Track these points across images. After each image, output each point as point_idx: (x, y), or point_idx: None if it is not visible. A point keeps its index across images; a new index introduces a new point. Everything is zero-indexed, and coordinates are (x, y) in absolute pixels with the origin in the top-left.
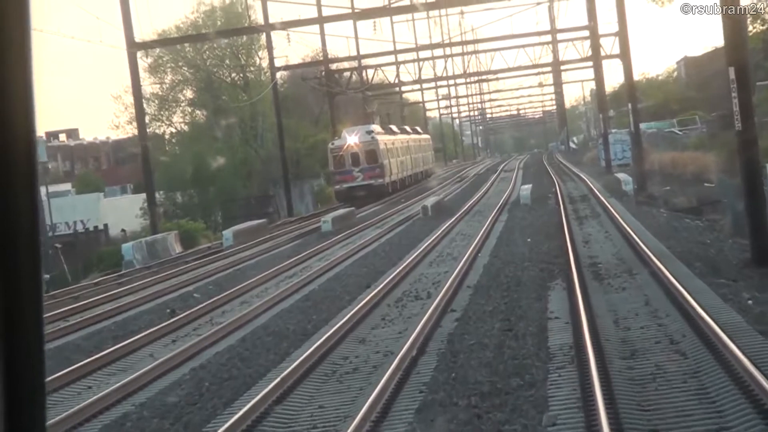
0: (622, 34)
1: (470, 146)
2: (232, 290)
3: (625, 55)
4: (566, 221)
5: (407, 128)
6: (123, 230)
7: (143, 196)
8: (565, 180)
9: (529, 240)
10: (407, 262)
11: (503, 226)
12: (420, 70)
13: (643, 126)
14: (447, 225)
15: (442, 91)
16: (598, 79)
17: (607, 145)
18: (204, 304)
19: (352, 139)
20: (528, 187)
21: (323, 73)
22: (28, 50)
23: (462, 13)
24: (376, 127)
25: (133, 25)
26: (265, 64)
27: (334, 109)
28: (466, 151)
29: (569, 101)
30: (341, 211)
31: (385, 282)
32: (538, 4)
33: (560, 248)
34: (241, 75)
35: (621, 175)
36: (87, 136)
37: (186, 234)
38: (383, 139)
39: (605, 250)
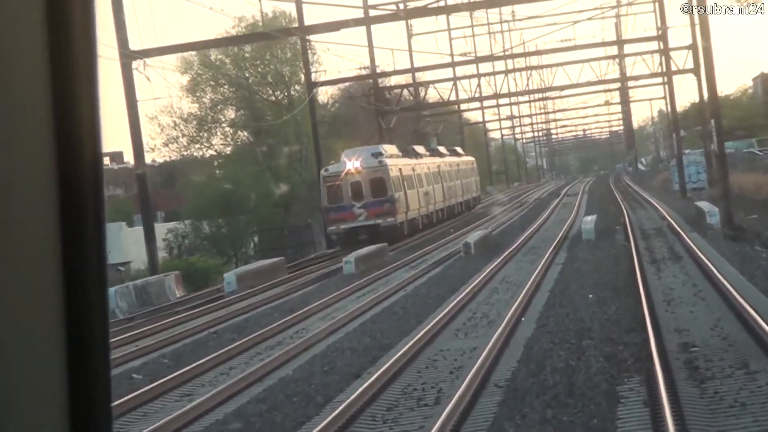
0: (696, 47)
1: (534, 168)
2: (182, 371)
3: (708, 68)
4: (639, 266)
5: (441, 149)
6: (119, 269)
7: (170, 225)
8: (635, 207)
9: (590, 296)
10: (428, 327)
11: (559, 271)
12: (479, 86)
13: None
14: (491, 267)
15: (504, 111)
16: (670, 95)
17: (682, 167)
18: (133, 394)
19: (352, 163)
20: (592, 219)
21: (372, 89)
22: (95, 71)
23: (513, 16)
24: (388, 148)
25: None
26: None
27: (387, 130)
28: (530, 172)
29: (636, 121)
30: (371, 248)
31: (385, 366)
32: (603, 14)
33: (633, 313)
34: (286, 93)
35: (703, 204)
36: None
37: (196, 273)
38: (396, 164)
39: (699, 320)
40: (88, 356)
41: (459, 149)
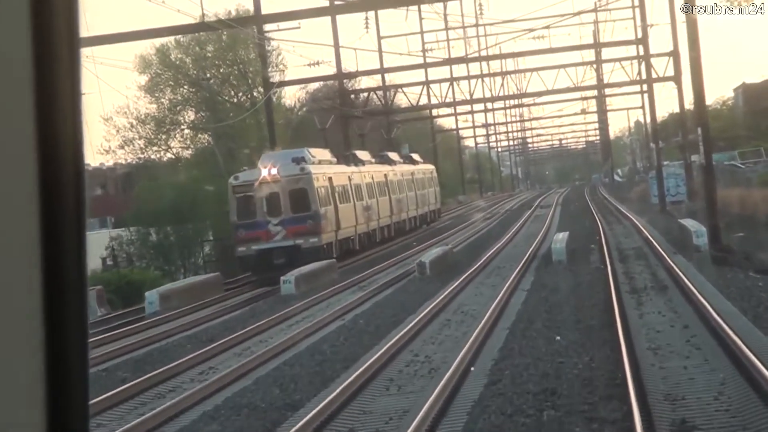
0: (678, 54)
1: (509, 177)
2: None
3: (696, 73)
4: (617, 297)
5: (390, 155)
6: None
7: (115, 232)
8: (611, 222)
9: (558, 339)
10: (355, 374)
11: (523, 301)
12: (452, 90)
13: (695, 158)
14: (447, 292)
15: (479, 119)
16: (650, 103)
17: (661, 179)
18: None
19: (267, 170)
20: (563, 236)
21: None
22: (78, 70)
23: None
24: (318, 153)
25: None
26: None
27: (354, 137)
28: (505, 182)
29: (613, 131)
30: (316, 265)
31: None
32: (581, 19)
33: (611, 367)
34: (248, 95)
35: (688, 222)
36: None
37: (129, 287)
38: (323, 172)
39: (696, 381)
40: (66, 356)
41: (415, 156)
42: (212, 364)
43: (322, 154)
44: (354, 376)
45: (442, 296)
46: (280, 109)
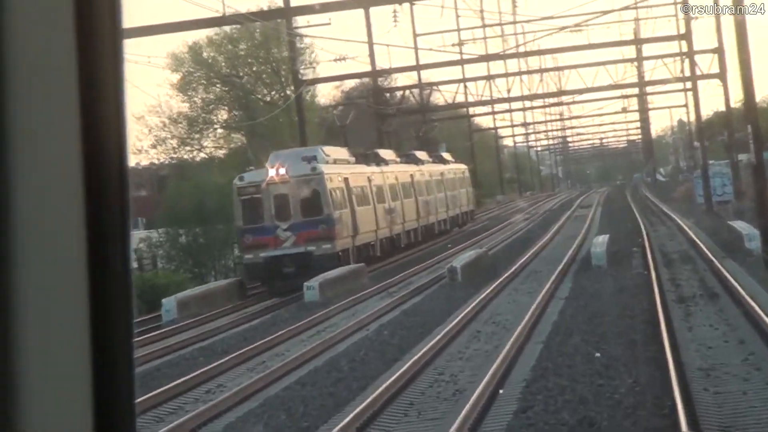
0: (722, 50)
1: (549, 176)
2: None
3: (745, 68)
4: (662, 307)
5: (417, 154)
6: None
7: (146, 233)
8: (654, 223)
9: (597, 355)
10: (371, 398)
11: (560, 310)
12: (490, 88)
13: (741, 157)
14: (479, 299)
15: (518, 118)
16: (695, 100)
17: (707, 178)
18: None
19: (276, 170)
20: (603, 239)
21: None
22: (121, 70)
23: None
24: (332, 151)
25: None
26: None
27: (392, 136)
28: (545, 181)
29: (655, 130)
30: (343, 270)
31: None
32: (621, 16)
33: (658, 392)
34: (282, 94)
35: (739, 224)
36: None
37: (152, 292)
38: (337, 173)
39: (759, 411)
40: (112, 356)
41: (446, 155)
42: (222, 381)
43: (338, 152)
44: (370, 398)
45: (474, 304)
46: (314, 108)
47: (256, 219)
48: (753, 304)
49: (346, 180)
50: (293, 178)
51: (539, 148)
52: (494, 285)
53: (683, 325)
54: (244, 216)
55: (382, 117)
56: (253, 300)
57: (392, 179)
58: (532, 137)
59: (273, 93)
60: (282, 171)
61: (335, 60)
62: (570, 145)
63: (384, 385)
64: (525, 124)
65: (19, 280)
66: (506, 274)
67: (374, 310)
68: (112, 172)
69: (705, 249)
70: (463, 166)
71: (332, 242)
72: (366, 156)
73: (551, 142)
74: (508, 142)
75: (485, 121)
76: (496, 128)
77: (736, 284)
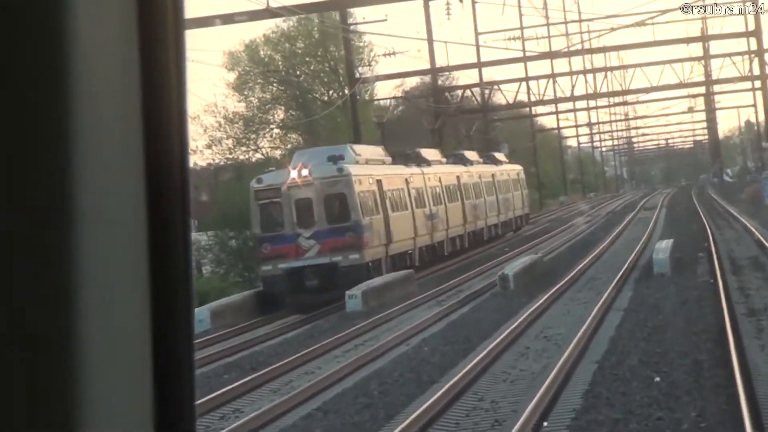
0: None
1: (613, 178)
2: None
3: None
4: (731, 321)
5: (465, 154)
6: None
7: (195, 236)
8: (722, 226)
9: (657, 379)
10: (398, 430)
11: (618, 324)
12: (554, 87)
13: None
14: (531, 310)
15: (582, 118)
16: (765, 99)
17: None
18: None
19: (298, 172)
20: (667, 244)
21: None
22: (184, 70)
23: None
24: (364, 150)
25: None
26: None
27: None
28: (609, 182)
29: (722, 131)
30: (391, 276)
31: None
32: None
33: (729, 425)
34: (340, 93)
35: None
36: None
37: (197, 298)
38: (368, 174)
39: None
40: (173, 356)
41: (499, 155)
42: (240, 405)
43: (371, 152)
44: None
45: (525, 315)
46: (370, 107)
47: (275, 226)
48: None
49: (378, 182)
50: (317, 180)
51: (604, 149)
52: (548, 294)
53: (755, 343)
54: (262, 222)
55: (442, 117)
56: (293, 308)
57: (434, 181)
58: (596, 138)
59: (331, 92)
60: (305, 172)
61: (385, 55)
62: (635, 145)
63: (414, 415)
64: (589, 124)
65: (82, 282)
66: (562, 282)
67: (418, 322)
68: (173, 172)
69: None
70: (517, 167)
71: (361, 252)
72: (406, 156)
73: (616, 142)
74: (572, 142)
75: (548, 121)
76: (559, 128)
77: None
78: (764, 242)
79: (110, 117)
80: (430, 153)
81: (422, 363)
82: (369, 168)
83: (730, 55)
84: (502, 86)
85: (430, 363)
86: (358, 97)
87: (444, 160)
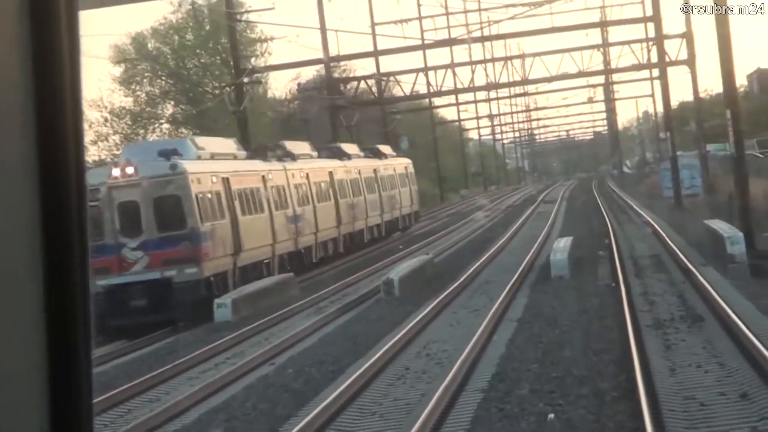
0: (691, 35)
1: (515, 170)
2: None
3: (725, 50)
4: (635, 337)
5: (342, 147)
6: None
7: None
8: (622, 221)
9: (551, 416)
10: None
11: (509, 338)
12: (454, 76)
13: (710, 147)
14: (416, 321)
15: (483, 109)
16: (664, 86)
17: (677, 171)
18: None
19: (120, 170)
20: (566, 242)
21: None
22: (78, 64)
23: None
24: (209, 143)
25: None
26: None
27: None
28: (511, 175)
29: (621, 122)
30: (265, 282)
31: None
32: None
33: None
34: (232, 86)
35: (718, 224)
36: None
37: None
38: (207, 172)
39: None
40: (70, 356)
41: (384, 148)
42: None
43: (219, 145)
44: None
45: (408, 327)
46: (266, 102)
47: (93, 234)
48: (750, 334)
49: (225, 181)
50: (145, 180)
51: (505, 141)
52: (437, 300)
53: (664, 365)
54: None
55: (337, 109)
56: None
57: (300, 178)
58: (497, 130)
59: (223, 85)
60: (130, 170)
61: (270, 39)
62: (536, 137)
63: None
64: (490, 116)
65: None
66: (453, 287)
67: (292, 334)
68: (68, 170)
69: (680, 254)
70: (405, 161)
71: (199, 265)
72: (265, 149)
73: (517, 134)
74: (474, 135)
75: (449, 113)
76: (459, 120)
77: (722, 302)
78: (667, 240)
79: (3, 115)
80: (297, 146)
81: (281, 391)
82: (213, 164)
83: (628, 42)
84: (400, 77)
85: (290, 390)
86: (249, 89)
87: (315, 153)
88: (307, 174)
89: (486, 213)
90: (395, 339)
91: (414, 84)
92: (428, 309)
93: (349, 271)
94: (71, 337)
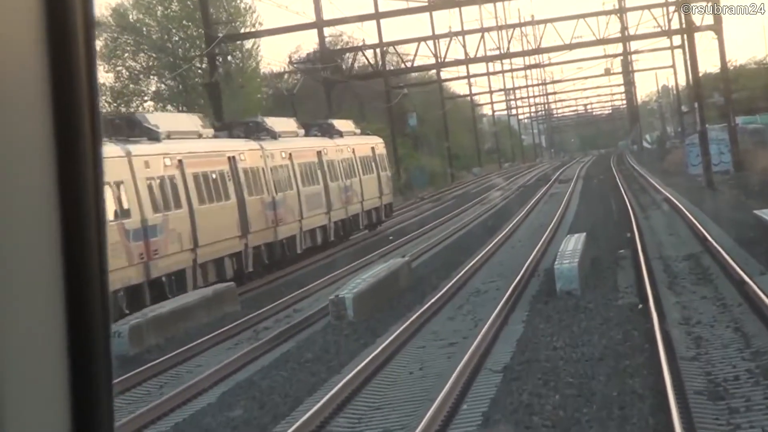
0: None
1: (532, 147)
2: None
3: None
4: (679, 412)
5: (269, 123)
6: None
7: None
8: (646, 205)
9: None
10: None
11: (494, 396)
12: (464, 44)
13: (738, 120)
14: (369, 359)
15: (496, 84)
16: (691, 52)
17: (707, 146)
18: None
19: None
20: (576, 242)
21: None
22: (94, 62)
23: None
24: (156, 119)
25: None
26: (249, 45)
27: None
28: (527, 151)
29: (639, 97)
30: (187, 299)
31: None
32: None
33: None
34: (220, 60)
35: None
36: None
37: None
38: (151, 154)
39: None
40: (90, 358)
41: (343, 123)
42: None
43: (175, 122)
44: None
45: (357, 370)
46: (255, 76)
47: None
48: None
49: (180, 164)
50: None
51: (521, 117)
52: (404, 326)
53: None
54: None
55: (331, 83)
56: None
57: (199, 166)
58: (512, 105)
59: (197, 54)
60: None
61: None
62: (553, 112)
63: None
64: (504, 90)
65: None
66: (431, 301)
67: (188, 384)
68: (86, 170)
69: (726, 255)
70: (372, 141)
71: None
72: (127, 124)
73: (533, 110)
74: (488, 111)
75: (461, 88)
76: (471, 95)
77: None
78: (703, 231)
79: (19, 113)
80: (184, 121)
81: None
82: (166, 146)
83: (648, 7)
84: (404, 49)
85: None
86: (240, 63)
87: (208, 132)
88: (181, 163)
89: (495, 195)
90: (335, 389)
91: (416, 53)
92: (388, 341)
93: (316, 274)
94: (91, 340)
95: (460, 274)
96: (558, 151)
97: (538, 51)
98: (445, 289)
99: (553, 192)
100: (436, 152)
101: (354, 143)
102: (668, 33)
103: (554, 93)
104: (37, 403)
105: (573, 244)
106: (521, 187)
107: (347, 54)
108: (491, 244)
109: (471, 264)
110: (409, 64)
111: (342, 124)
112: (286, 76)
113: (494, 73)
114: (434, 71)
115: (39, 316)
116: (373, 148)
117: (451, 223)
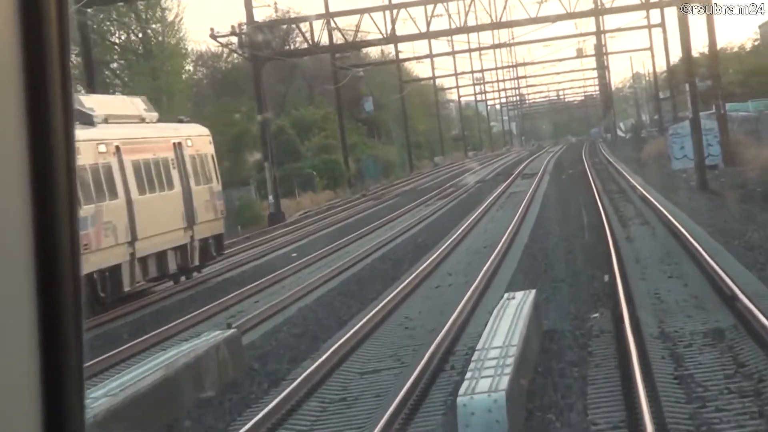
0: None
1: (501, 134)
2: None
3: None
4: None
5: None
6: None
7: None
8: (627, 214)
9: None
10: None
11: None
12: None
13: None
14: None
15: (462, 66)
16: (683, 28)
17: (700, 136)
18: None
19: None
20: (513, 323)
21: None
22: (67, 67)
23: None
24: None
25: None
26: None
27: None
28: (497, 139)
29: (613, 84)
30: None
31: None
32: None
33: None
34: (140, 35)
35: None
36: None
37: None
38: None
39: None
40: (62, 355)
41: (107, 102)
42: None
43: None
44: None
45: None
46: (178, 54)
47: None
48: None
49: None
50: None
51: (492, 103)
52: None
53: None
54: None
55: (261, 62)
56: None
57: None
58: (482, 90)
59: (129, 33)
60: None
61: None
62: (526, 99)
63: None
64: (472, 72)
65: None
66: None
67: None
68: (59, 166)
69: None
70: (186, 133)
71: None
72: None
73: (503, 95)
74: (454, 96)
75: (424, 71)
76: (434, 77)
77: None
78: (723, 276)
79: None
80: (117, 103)
81: None
82: None
83: None
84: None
85: None
86: (161, 39)
87: (153, 117)
88: None
89: (438, 194)
90: None
91: (358, 25)
92: None
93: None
94: (63, 337)
95: (319, 362)
96: (529, 138)
97: (501, 25)
98: (284, 392)
99: (513, 191)
100: (396, 140)
101: (152, 138)
102: (646, 6)
103: (525, 77)
104: (8, 400)
105: (510, 321)
106: (478, 183)
107: (285, 27)
108: (400, 284)
109: (344, 339)
110: (359, 42)
111: (106, 103)
112: (225, 56)
113: (459, 52)
114: (393, 52)
115: (9, 309)
116: (180, 146)
117: (373, 237)
